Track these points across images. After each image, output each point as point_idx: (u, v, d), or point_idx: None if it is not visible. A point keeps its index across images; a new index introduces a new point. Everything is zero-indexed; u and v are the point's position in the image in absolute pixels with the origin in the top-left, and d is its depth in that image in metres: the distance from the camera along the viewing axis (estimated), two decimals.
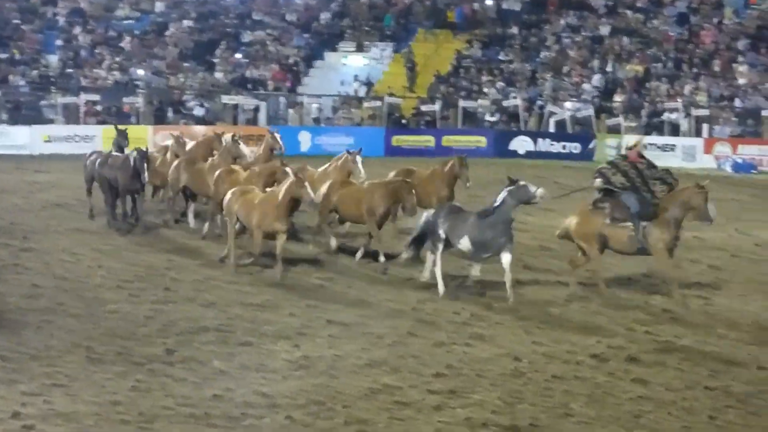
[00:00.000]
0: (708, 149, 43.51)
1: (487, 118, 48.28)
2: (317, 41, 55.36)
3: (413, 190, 20.43)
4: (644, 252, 18.26)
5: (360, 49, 55.09)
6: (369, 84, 51.79)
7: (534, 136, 46.30)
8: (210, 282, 19.05)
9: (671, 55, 50.02)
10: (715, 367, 14.31)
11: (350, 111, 48.92)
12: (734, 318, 17.07)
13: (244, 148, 24.17)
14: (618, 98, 47.82)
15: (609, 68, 49.87)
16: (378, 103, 48.62)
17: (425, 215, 18.77)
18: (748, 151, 41.49)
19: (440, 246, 18.17)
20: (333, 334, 15.75)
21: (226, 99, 47.72)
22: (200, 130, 40.09)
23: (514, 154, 45.27)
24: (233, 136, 24.28)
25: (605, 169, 18.72)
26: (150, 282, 19.00)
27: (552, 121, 46.95)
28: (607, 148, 44.28)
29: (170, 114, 46.41)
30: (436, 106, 47.98)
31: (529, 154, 45.07)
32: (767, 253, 22.97)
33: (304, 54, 53.90)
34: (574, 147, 45.18)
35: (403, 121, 48.41)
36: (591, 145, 45.25)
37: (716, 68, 48.51)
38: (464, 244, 17.94)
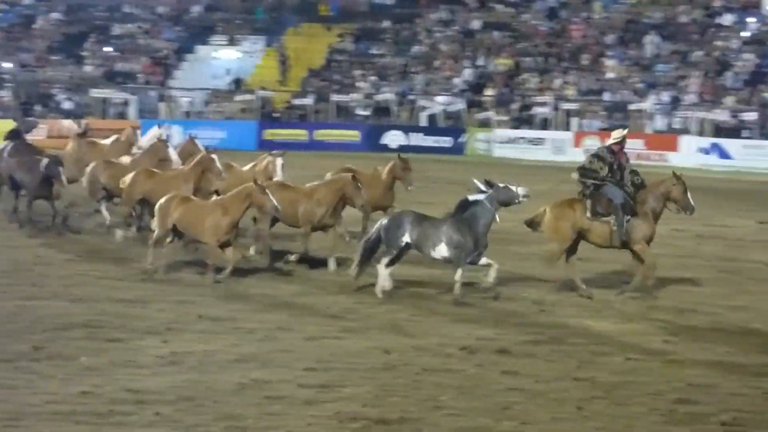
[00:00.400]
0: (577, 143, 44.10)
1: (360, 112, 48.34)
2: (188, 34, 54.93)
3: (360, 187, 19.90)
4: (626, 246, 18.22)
5: (232, 42, 54.79)
6: (237, 80, 51.48)
7: (406, 130, 46.47)
8: (78, 277, 18.76)
9: (541, 49, 50.62)
10: (583, 358, 14.47)
11: (222, 105, 48.57)
12: (600, 309, 17.31)
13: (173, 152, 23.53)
14: (488, 92, 48.24)
15: (480, 62, 50.27)
16: (250, 97, 48.37)
17: (380, 223, 17.98)
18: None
19: (395, 255, 17.58)
20: (203, 329, 15.59)
21: (95, 93, 47.07)
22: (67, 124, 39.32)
23: (385, 148, 45.38)
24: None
25: (587, 162, 18.59)
26: (16, 278, 18.62)
27: (424, 116, 47.19)
28: (478, 142, 44.72)
29: (38, 108, 45.62)
30: (309, 100, 47.92)
31: (402, 148, 45.16)
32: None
33: (175, 47, 53.39)
34: (446, 141, 45.55)
35: (276, 114, 48.24)
36: (462, 139, 45.61)
37: (585, 62, 49.22)
38: (440, 251, 17.41)
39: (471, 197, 17.47)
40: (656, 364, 14.20)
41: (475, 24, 53.69)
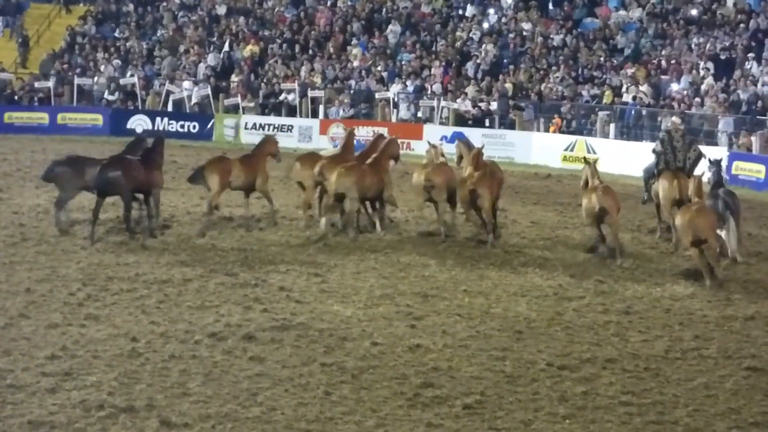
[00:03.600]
0: (324, 130, 44.39)
1: (106, 96, 47.43)
2: None
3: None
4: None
5: None
6: None
7: (152, 115, 45.84)
8: None
9: (286, 36, 50.70)
10: (330, 343, 14.62)
11: None
12: (347, 294, 17.50)
13: None
14: (235, 78, 48.06)
15: (226, 48, 50.02)
16: None
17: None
18: (363, 132, 42.47)
19: None
20: None
21: None
22: None
23: (132, 132, 44.65)
24: None
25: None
26: None
27: (171, 100, 46.66)
28: (226, 128, 44.53)
29: None
30: (50, 83, 46.73)
31: (147, 133, 44.61)
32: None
33: None
34: (193, 126, 45.17)
35: (15, 97, 46.86)
36: (209, 125, 45.34)
37: (330, 50, 49.56)
38: None
39: None
40: (401, 349, 14.46)
41: (220, 10, 53.42)
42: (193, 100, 46.33)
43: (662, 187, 22.72)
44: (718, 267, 19.06)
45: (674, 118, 26.75)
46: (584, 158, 24.76)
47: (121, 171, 21.20)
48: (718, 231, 19.80)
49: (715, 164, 22.34)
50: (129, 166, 21.57)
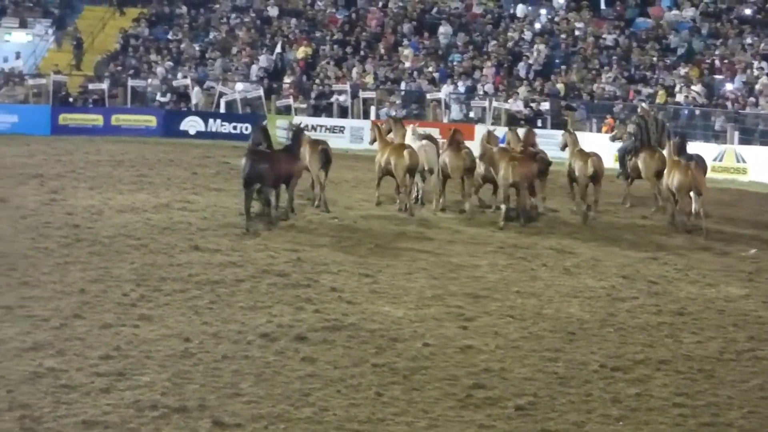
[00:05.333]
0: None
1: (158, 98, 47.70)
2: None
3: None
4: None
5: (24, 25, 53.49)
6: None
7: (205, 116, 46.06)
8: None
9: (337, 37, 50.75)
10: (381, 344, 14.61)
11: (14, 88, 47.25)
12: (398, 295, 17.50)
13: None
14: (287, 80, 48.18)
15: (278, 49, 50.13)
16: (42, 81, 47.21)
17: None
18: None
19: None
20: None
21: None
22: None
23: (185, 134, 44.95)
24: None
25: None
26: None
27: (222, 102, 46.86)
28: (278, 129, 44.66)
29: None
30: (104, 85, 47.05)
31: (200, 135, 44.88)
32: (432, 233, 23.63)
33: None
34: (245, 128, 45.28)
35: (70, 99, 47.23)
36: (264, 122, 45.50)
37: (381, 51, 49.57)
38: None
39: None
40: (452, 350, 14.44)
41: (272, 11, 53.54)
42: (245, 102, 46.44)
43: (644, 161, 27.01)
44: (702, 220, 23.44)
45: (643, 104, 31.75)
46: (566, 128, 31.01)
47: (269, 163, 22.68)
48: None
49: (680, 137, 26.60)
50: (275, 158, 23.40)
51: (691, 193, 24.33)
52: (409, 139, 26.77)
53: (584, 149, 26.85)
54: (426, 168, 25.96)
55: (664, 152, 25.88)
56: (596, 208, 26.07)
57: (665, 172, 24.94)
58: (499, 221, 24.07)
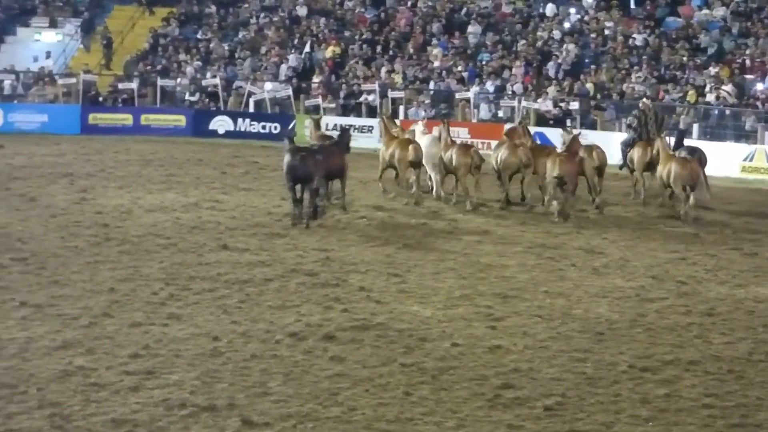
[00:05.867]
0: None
1: (187, 97, 47.80)
2: (8, 16, 53.61)
3: None
4: None
5: (54, 24, 53.73)
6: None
7: (234, 116, 46.12)
8: None
9: (366, 37, 50.72)
10: (410, 343, 14.62)
11: (44, 88, 47.43)
12: (426, 295, 17.49)
13: None
14: (316, 79, 48.20)
15: (307, 49, 50.15)
16: (72, 80, 47.37)
17: None
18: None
19: None
20: (25, 315, 15.30)
21: None
22: None
23: (214, 133, 45.02)
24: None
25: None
26: None
27: (251, 101, 46.91)
28: (306, 128, 44.65)
29: None
30: (134, 84, 47.18)
31: (229, 134, 44.93)
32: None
33: None
34: (274, 127, 45.29)
35: (100, 98, 47.39)
36: (290, 126, 45.51)
37: (410, 51, 49.51)
38: None
39: None
40: (481, 350, 14.43)
41: (301, 11, 53.57)
42: (274, 101, 46.48)
43: (637, 153, 27.98)
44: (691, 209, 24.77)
45: (644, 100, 32.08)
46: (565, 128, 31.31)
47: (317, 160, 23.36)
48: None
49: (679, 132, 29.09)
50: (324, 154, 24.11)
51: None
52: (418, 136, 27.87)
53: (585, 144, 27.85)
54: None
55: (657, 144, 26.50)
56: (599, 197, 26.67)
57: (659, 165, 25.78)
58: (553, 216, 24.95)
